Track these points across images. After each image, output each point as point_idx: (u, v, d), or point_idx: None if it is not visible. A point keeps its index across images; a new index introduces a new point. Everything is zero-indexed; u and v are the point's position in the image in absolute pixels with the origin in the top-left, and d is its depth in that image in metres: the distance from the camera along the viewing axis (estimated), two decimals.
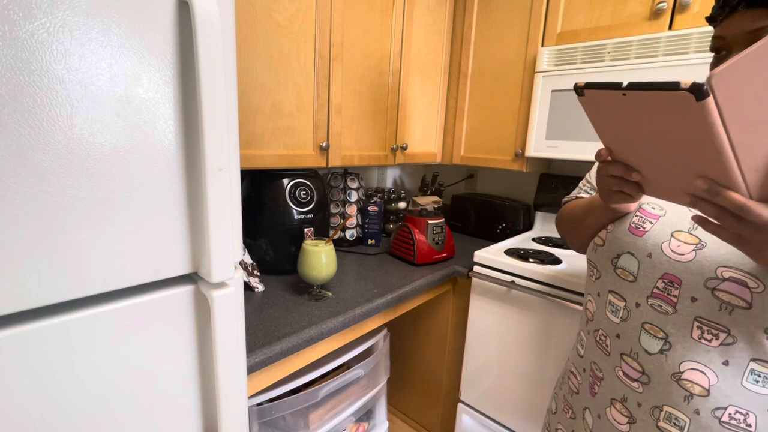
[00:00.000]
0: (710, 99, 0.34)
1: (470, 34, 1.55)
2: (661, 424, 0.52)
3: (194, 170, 0.54)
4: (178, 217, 0.54)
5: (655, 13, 1.14)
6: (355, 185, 1.54)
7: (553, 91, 1.31)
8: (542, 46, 1.36)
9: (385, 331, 1.24)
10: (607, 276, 0.60)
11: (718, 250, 0.49)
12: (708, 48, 1.06)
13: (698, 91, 0.34)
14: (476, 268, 1.31)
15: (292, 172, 1.19)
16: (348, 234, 1.55)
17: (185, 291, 0.57)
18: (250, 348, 0.77)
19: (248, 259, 1.08)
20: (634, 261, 0.56)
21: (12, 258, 0.42)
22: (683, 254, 0.52)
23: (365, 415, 1.27)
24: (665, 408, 0.52)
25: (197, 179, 0.55)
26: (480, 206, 1.74)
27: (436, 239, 1.35)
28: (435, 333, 1.52)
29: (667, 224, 0.55)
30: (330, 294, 1.05)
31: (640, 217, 0.58)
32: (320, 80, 1.12)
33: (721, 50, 0.51)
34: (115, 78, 0.46)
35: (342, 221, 1.49)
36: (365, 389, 1.16)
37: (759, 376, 0.47)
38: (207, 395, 0.62)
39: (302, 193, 1.18)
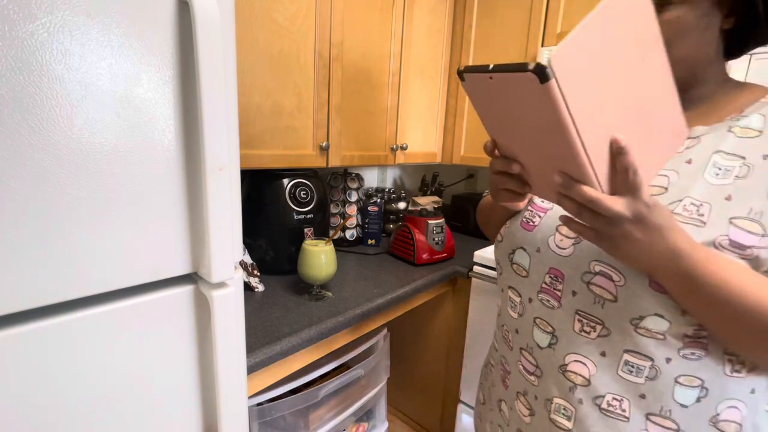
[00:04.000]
0: (553, 82, 0.32)
1: (470, 34, 1.55)
2: (552, 416, 0.54)
3: (194, 170, 0.54)
4: (178, 217, 0.54)
5: None
6: (355, 185, 1.54)
7: None
8: (542, 46, 1.36)
9: (385, 331, 1.24)
10: (507, 272, 0.61)
11: (591, 244, 0.48)
12: None
13: (542, 73, 0.31)
14: (476, 268, 1.31)
15: (292, 172, 1.19)
16: (348, 234, 1.55)
17: (185, 291, 0.57)
18: (250, 348, 0.77)
19: (248, 259, 1.08)
20: (526, 256, 0.57)
21: (12, 258, 0.42)
22: (565, 248, 0.52)
23: (365, 415, 1.27)
24: (555, 400, 0.53)
25: (197, 179, 0.55)
26: None
27: (436, 239, 1.35)
28: (435, 333, 1.52)
29: (554, 218, 0.55)
30: (330, 294, 1.05)
31: (531, 211, 0.59)
32: (320, 80, 1.12)
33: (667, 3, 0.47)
34: (115, 78, 0.46)
35: (342, 221, 1.50)
36: (365, 389, 1.16)
37: (632, 366, 0.48)
38: (207, 395, 0.62)
39: (302, 193, 1.18)
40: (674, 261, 0.41)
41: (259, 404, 0.89)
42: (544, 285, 0.54)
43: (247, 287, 1.03)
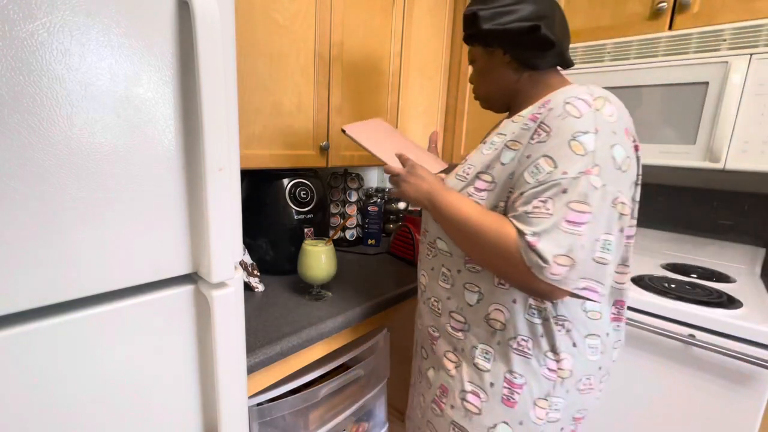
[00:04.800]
0: (348, 133, 0.83)
1: None
2: (476, 360, 0.69)
3: (194, 170, 0.54)
4: (178, 217, 0.54)
5: (655, 13, 1.14)
6: (355, 185, 1.54)
7: None
8: None
9: (385, 331, 1.24)
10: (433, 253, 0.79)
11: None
12: (708, 48, 1.06)
13: (343, 131, 0.83)
14: None
15: (292, 172, 1.19)
16: (348, 234, 1.55)
17: (185, 291, 0.57)
18: (250, 348, 0.77)
19: (248, 259, 1.08)
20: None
21: (12, 258, 0.42)
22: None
23: (365, 415, 1.27)
24: (480, 346, 0.69)
25: (197, 179, 0.55)
26: None
27: None
28: None
29: None
30: (330, 294, 1.05)
31: None
32: (320, 80, 1.12)
33: (471, 62, 0.77)
34: (115, 78, 0.46)
35: (342, 221, 1.49)
36: (365, 389, 1.16)
37: (444, 276, 0.74)
38: (207, 395, 0.62)
39: (302, 193, 1.18)
40: (428, 195, 0.68)
41: (259, 404, 0.89)
42: (467, 258, 0.73)
43: (247, 287, 1.03)
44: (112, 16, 0.45)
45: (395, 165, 0.75)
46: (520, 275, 0.56)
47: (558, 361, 0.65)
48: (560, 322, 0.64)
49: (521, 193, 0.58)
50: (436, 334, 0.75)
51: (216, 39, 0.49)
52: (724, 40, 1.04)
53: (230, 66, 0.55)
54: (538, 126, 0.59)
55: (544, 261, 0.53)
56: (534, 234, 0.54)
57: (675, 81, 1.10)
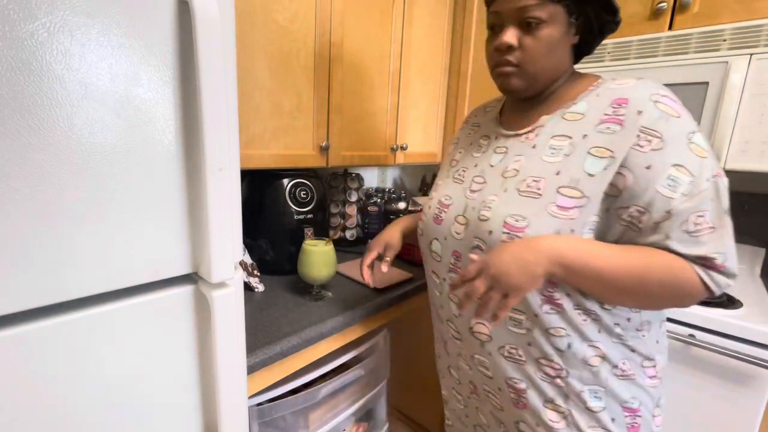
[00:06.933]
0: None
1: (470, 34, 1.54)
2: (589, 404, 0.61)
3: (194, 170, 0.54)
4: (179, 217, 0.54)
5: (655, 13, 1.14)
6: (355, 185, 1.54)
7: None
8: None
9: (385, 331, 1.24)
10: (428, 259, 0.75)
11: (476, 225, 0.62)
12: (708, 48, 1.06)
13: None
14: None
15: (292, 172, 1.19)
16: (348, 234, 1.55)
17: (185, 291, 0.57)
18: (250, 348, 0.77)
19: (248, 259, 1.08)
20: (438, 244, 0.70)
21: (12, 258, 0.42)
22: (460, 233, 0.66)
23: (365, 415, 1.27)
24: (586, 388, 0.60)
25: (197, 179, 0.55)
26: None
27: None
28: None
29: (453, 211, 0.68)
30: (330, 294, 1.05)
31: (438, 208, 0.72)
32: (320, 80, 1.12)
33: (496, 26, 0.61)
34: (116, 78, 0.46)
35: (342, 221, 1.49)
36: (365, 389, 1.16)
37: (515, 321, 0.61)
38: (207, 395, 0.62)
39: (302, 193, 1.18)
40: (552, 259, 0.53)
41: (259, 404, 0.89)
42: (450, 265, 0.68)
43: (247, 287, 1.03)
44: (112, 16, 0.45)
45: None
46: (693, 299, 0.54)
47: (654, 366, 0.62)
48: (640, 330, 0.61)
49: (668, 211, 0.51)
50: (523, 386, 0.63)
51: (216, 39, 0.49)
52: (724, 41, 1.04)
53: (230, 66, 0.55)
54: (641, 131, 0.52)
55: (732, 276, 0.52)
56: (719, 254, 0.51)
57: (675, 81, 1.10)
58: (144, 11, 0.47)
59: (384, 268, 0.88)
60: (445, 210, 0.70)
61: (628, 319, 0.59)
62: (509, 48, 0.59)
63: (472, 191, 0.66)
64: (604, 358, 0.59)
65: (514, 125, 0.68)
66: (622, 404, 0.61)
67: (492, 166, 0.66)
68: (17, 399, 0.45)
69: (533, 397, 0.62)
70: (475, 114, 0.83)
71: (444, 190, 0.73)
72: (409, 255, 1.35)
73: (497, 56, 0.61)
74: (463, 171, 0.72)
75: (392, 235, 0.89)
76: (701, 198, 0.51)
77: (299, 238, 1.16)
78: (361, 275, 0.89)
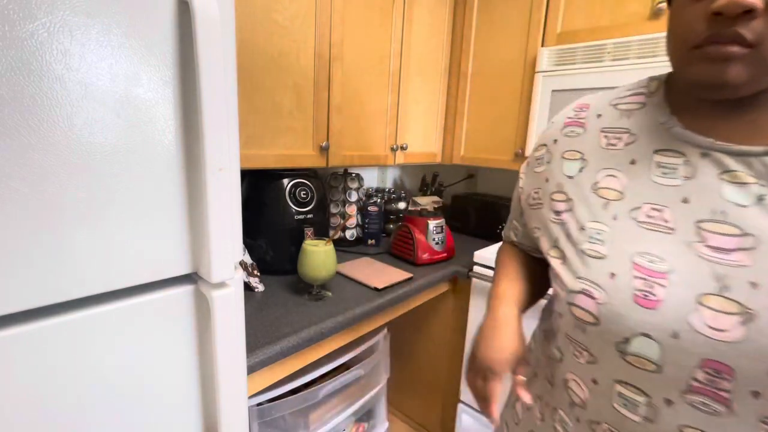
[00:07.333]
0: None
1: (470, 34, 1.54)
2: None
3: (194, 170, 0.54)
4: (178, 217, 0.54)
5: (655, 13, 1.14)
6: (355, 185, 1.54)
7: (553, 91, 1.31)
8: (542, 46, 1.36)
9: (385, 331, 1.24)
10: (609, 362, 0.45)
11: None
12: None
13: None
14: (476, 269, 1.31)
15: (292, 172, 1.19)
16: (348, 234, 1.55)
17: (185, 291, 0.57)
18: (250, 348, 0.77)
19: (248, 259, 1.08)
20: (653, 344, 0.41)
21: (12, 258, 0.42)
22: (726, 330, 0.37)
23: (365, 415, 1.27)
24: None
25: (197, 179, 0.55)
26: (480, 206, 1.74)
27: (436, 239, 1.35)
28: (435, 333, 1.52)
29: (687, 283, 0.40)
30: (330, 294, 1.05)
31: (643, 278, 0.42)
32: (320, 80, 1.12)
33: None
34: (116, 78, 0.46)
35: (342, 221, 1.50)
36: (365, 389, 1.16)
37: None
38: (207, 395, 0.62)
39: (302, 193, 1.18)
40: None
41: (259, 404, 0.89)
42: (695, 383, 0.40)
43: (247, 287, 1.03)
44: (112, 16, 0.45)
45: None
46: None
47: None
48: None
49: None
50: None
51: (216, 39, 0.49)
52: None
53: (230, 66, 0.55)
54: None
55: None
56: None
57: None
58: (144, 11, 0.47)
59: (526, 398, 0.50)
60: (662, 282, 0.41)
61: None
62: (748, 12, 0.35)
63: (719, 252, 0.39)
64: None
65: (730, 136, 0.42)
66: None
67: (744, 206, 0.39)
68: (17, 399, 0.45)
69: None
70: (598, 112, 0.53)
71: (630, 244, 0.44)
72: (409, 255, 1.35)
73: (717, 26, 0.37)
74: (656, 211, 0.44)
75: (509, 338, 0.53)
76: None
77: (299, 238, 1.16)
78: (487, 415, 0.54)
